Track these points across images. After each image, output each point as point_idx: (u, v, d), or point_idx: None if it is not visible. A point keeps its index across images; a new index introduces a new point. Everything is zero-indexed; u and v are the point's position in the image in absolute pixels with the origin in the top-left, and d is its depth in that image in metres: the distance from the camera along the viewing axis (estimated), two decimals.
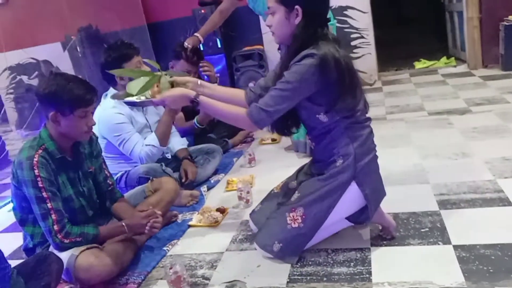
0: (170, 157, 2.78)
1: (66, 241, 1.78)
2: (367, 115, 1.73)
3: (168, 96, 1.70)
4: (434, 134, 3.02)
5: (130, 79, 2.32)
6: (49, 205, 1.76)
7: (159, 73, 1.79)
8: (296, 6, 1.58)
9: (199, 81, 1.82)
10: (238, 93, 1.85)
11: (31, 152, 1.77)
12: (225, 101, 1.73)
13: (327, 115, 1.62)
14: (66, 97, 1.76)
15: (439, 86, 4.31)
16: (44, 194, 1.75)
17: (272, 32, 1.69)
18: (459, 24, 5.05)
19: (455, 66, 4.97)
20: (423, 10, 7.74)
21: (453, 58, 5.22)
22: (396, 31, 7.65)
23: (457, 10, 5.01)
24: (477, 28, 4.62)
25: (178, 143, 2.84)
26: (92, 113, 1.89)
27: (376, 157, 1.73)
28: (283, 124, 1.75)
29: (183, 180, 2.67)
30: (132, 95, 1.77)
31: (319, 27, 1.61)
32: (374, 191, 1.69)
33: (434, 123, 3.24)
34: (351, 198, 1.66)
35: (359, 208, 1.71)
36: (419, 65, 5.26)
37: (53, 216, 1.76)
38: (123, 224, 1.93)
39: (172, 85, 1.79)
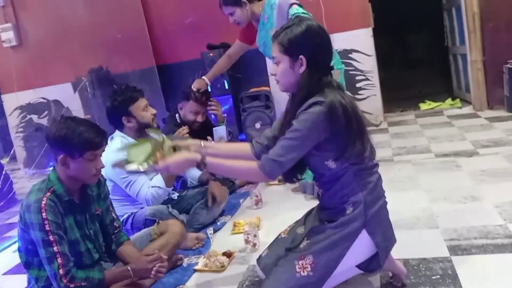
0: (175, 197, 2.77)
1: (72, 285, 1.75)
2: (375, 161, 1.73)
3: (173, 163, 1.69)
4: (442, 177, 3.00)
5: (141, 126, 2.37)
6: (55, 248, 1.75)
7: (161, 138, 1.80)
8: (301, 56, 1.62)
9: (202, 143, 1.83)
10: (243, 147, 1.86)
11: (39, 195, 1.78)
12: (230, 157, 1.74)
13: (336, 162, 1.63)
14: (76, 141, 1.78)
15: (445, 127, 4.33)
16: (51, 237, 1.74)
17: (276, 80, 1.72)
18: (463, 67, 5.13)
19: (460, 108, 5.00)
20: (428, 53, 7.87)
21: (458, 99, 5.26)
22: (401, 73, 7.77)
23: (461, 52, 5.09)
24: (481, 70, 4.67)
25: (197, 171, 2.82)
26: (101, 155, 1.90)
27: (385, 203, 1.72)
28: (290, 173, 1.75)
29: (209, 204, 2.63)
30: (133, 162, 1.77)
31: (323, 75, 1.64)
32: (385, 238, 1.66)
33: (441, 165, 3.23)
34: (362, 246, 1.63)
35: (369, 256, 1.68)
36: (424, 106, 5.30)
37: (59, 260, 1.75)
38: (129, 268, 1.91)
39: (174, 149, 1.79)
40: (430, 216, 2.41)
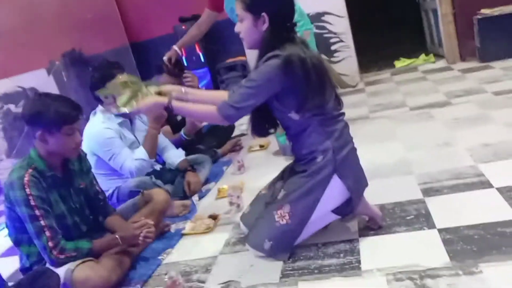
0: (159, 168, 2.82)
1: (62, 256, 1.81)
2: (342, 111, 1.80)
3: (143, 105, 1.78)
4: (416, 128, 3.10)
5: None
6: (42, 222, 1.79)
7: (140, 83, 1.85)
8: (263, 13, 1.67)
9: (183, 89, 1.88)
10: (222, 94, 1.90)
11: (21, 172, 1.81)
12: (208, 103, 1.79)
13: (299, 114, 1.70)
14: (52, 116, 1.80)
15: (420, 82, 4.41)
16: (37, 212, 1.78)
17: (241, 38, 1.77)
18: (434, 21, 5.18)
19: (434, 62, 5.08)
20: (402, 12, 7.88)
21: (431, 54, 5.33)
22: (377, 34, 7.79)
23: (431, 7, 5.14)
24: (451, 23, 4.74)
25: (176, 156, 2.89)
26: (79, 130, 1.93)
27: (354, 149, 1.79)
28: (261, 126, 1.82)
29: (187, 192, 2.72)
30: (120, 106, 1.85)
31: (285, 31, 1.70)
32: (356, 181, 1.75)
33: (416, 117, 3.32)
34: (335, 191, 1.72)
35: (343, 201, 1.76)
36: (399, 64, 5.37)
37: (47, 233, 1.79)
38: (117, 236, 1.97)
39: (160, 94, 1.85)
40: (405, 164, 2.51)
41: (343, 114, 1.80)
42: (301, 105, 1.67)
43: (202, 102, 1.82)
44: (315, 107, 1.68)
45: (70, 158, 1.99)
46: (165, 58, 3.09)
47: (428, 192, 2.11)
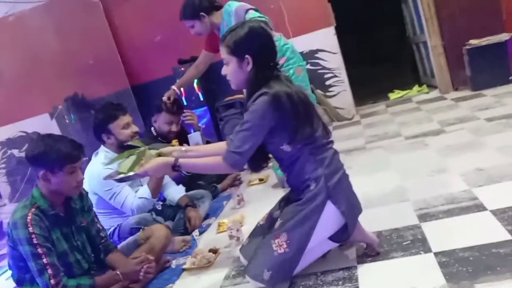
0: (160, 207, 2.86)
1: None
2: (329, 139, 1.88)
3: (150, 168, 1.84)
4: (411, 156, 3.15)
5: (120, 143, 2.52)
6: (44, 260, 1.82)
7: (143, 149, 1.93)
8: (246, 56, 1.77)
9: (183, 148, 1.98)
10: (220, 145, 1.98)
11: (24, 211, 1.86)
12: (211, 156, 1.88)
13: (291, 145, 1.77)
14: (54, 156, 1.87)
15: (414, 112, 4.50)
16: (39, 250, 1.82)
17: (228, 79, 1.87)
18: (425, 53, 5.34)
19: (427, 93, 5.20)
20: (394, 47, 8.11)
21: (425, 85, 5.46)
22: (371, 69, 7.99)
23: (422, 40, 5.31)
24: (442, 55, 4.88)
25: (176, 192, 2.95)
26: (81, 168, 1.99)
27: (346, 175, 1.84)
28: (254, 162, 1.89)
29: (188, 228, 2.76)
30: (124, 173, 1.91)
31: (269, 70, 1.80)
32: (350, 207, 1.79)
33: (411, 146, 3.38)
34: (330, 218, 1.75)
35: (339, 227, 1.80)
36: (394, 95, 5.49)
37: (49, 271, 1.82)
38: (118, 272, 1.99)
39: (160, 156, 1.92)
40: (401, 191, 2.55)
41: (332, 142, 1.88)
42: (292, 137, 1.75)
43: (204, 156, 1.89)
44: (304, 137, 1.75)
45: (72, 196, 2.04)
46: (164, 97, 3.20)
47: (424, 217, 2.14)
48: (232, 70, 1.82)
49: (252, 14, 2.81)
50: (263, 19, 2.75)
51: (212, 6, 2.96)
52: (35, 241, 1.82)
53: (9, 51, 5.68)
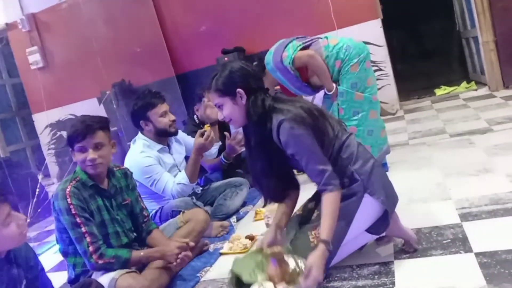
0: (199, 191, 2.93)
1: (100, 261, 1.94)
2: (349, 132, 1.90)
3: (316, 270, 1.64)
4: (456, 154, 3.07)
5: (158, 131, 2.64)
6: (83, 229, 1.94)
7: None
8: (238, 90, 1.78)
9: (278, 234, 1.91)
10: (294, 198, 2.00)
11: (65, 184, 2.00)
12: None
13: (322, 151, 1.77)
14: (68, 135, 2.04)
15: (461, 109, 4.36)
16: (78, 219, 1.94)
17: (228, 121, 1.87)
18: (476, 49, 5.14)
19: (476, 90, 5.01)
20: (443, 41, 7.85)
21: (473, 82, 5.26)
22: (418, 64, 7.78)
23: (472, 35, 5.11)
24: (493, 51, 4.69)
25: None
26: (94, 148, 2.01)
27: (377, 163, 1.83)
28: (277, 193, 1.94)
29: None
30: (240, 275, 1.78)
31: (263, 93, 1.82)
32: (388, 194, 1.78)
33: (455, 144, 3.29)
34: (368, 209, 1.75)
35: (376, 218, 1.79)
36: (440, 91, 5.32)
37: (88, 239, 1.94)
38: (157, 249, 2.07)
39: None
40: (443, 189, 2.49)
41: (351, 134, 1.89)
42: (321, 143, 1.77)
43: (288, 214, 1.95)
44: (330, 139, 1.79)
45: (115, 173, 2.16)
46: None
47: (466, 217, 2.09)
48: (229, 110, 1.82)
49: (287, 58, 2.78)
50: (300, 47, 2.78)
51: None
52: (73, 211, 1.94)
53: (61, 37, 5.95)
